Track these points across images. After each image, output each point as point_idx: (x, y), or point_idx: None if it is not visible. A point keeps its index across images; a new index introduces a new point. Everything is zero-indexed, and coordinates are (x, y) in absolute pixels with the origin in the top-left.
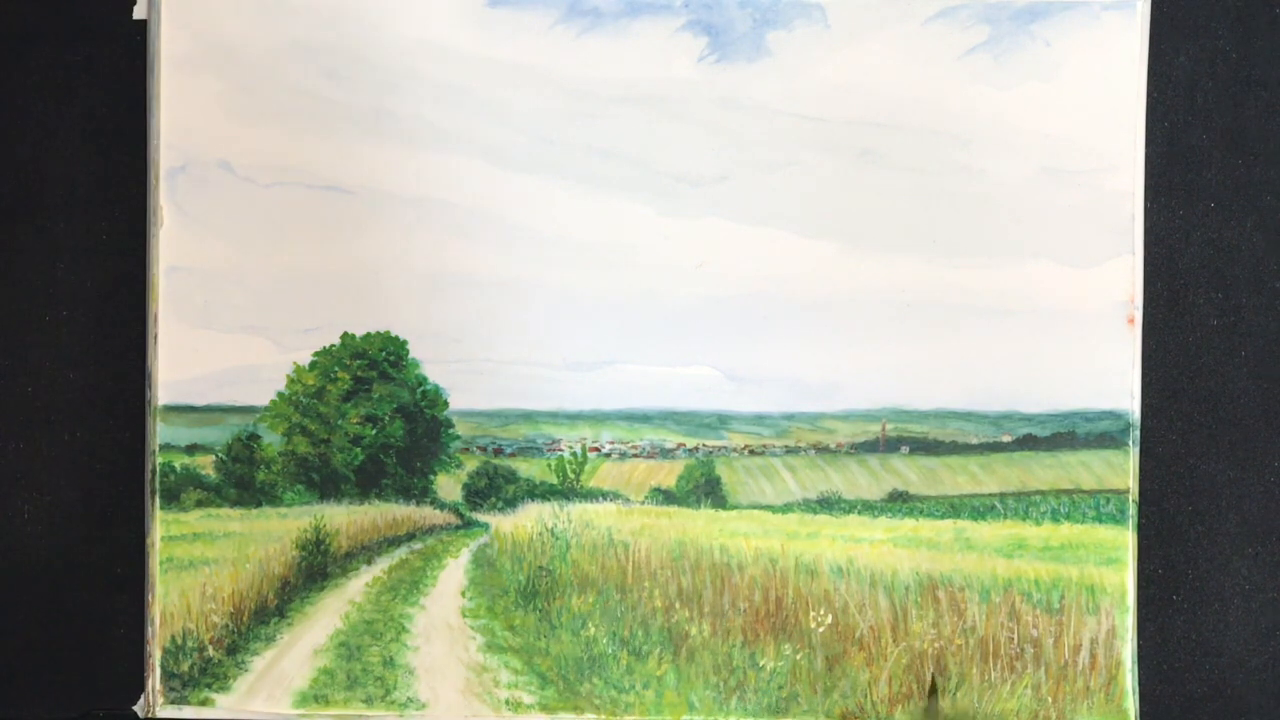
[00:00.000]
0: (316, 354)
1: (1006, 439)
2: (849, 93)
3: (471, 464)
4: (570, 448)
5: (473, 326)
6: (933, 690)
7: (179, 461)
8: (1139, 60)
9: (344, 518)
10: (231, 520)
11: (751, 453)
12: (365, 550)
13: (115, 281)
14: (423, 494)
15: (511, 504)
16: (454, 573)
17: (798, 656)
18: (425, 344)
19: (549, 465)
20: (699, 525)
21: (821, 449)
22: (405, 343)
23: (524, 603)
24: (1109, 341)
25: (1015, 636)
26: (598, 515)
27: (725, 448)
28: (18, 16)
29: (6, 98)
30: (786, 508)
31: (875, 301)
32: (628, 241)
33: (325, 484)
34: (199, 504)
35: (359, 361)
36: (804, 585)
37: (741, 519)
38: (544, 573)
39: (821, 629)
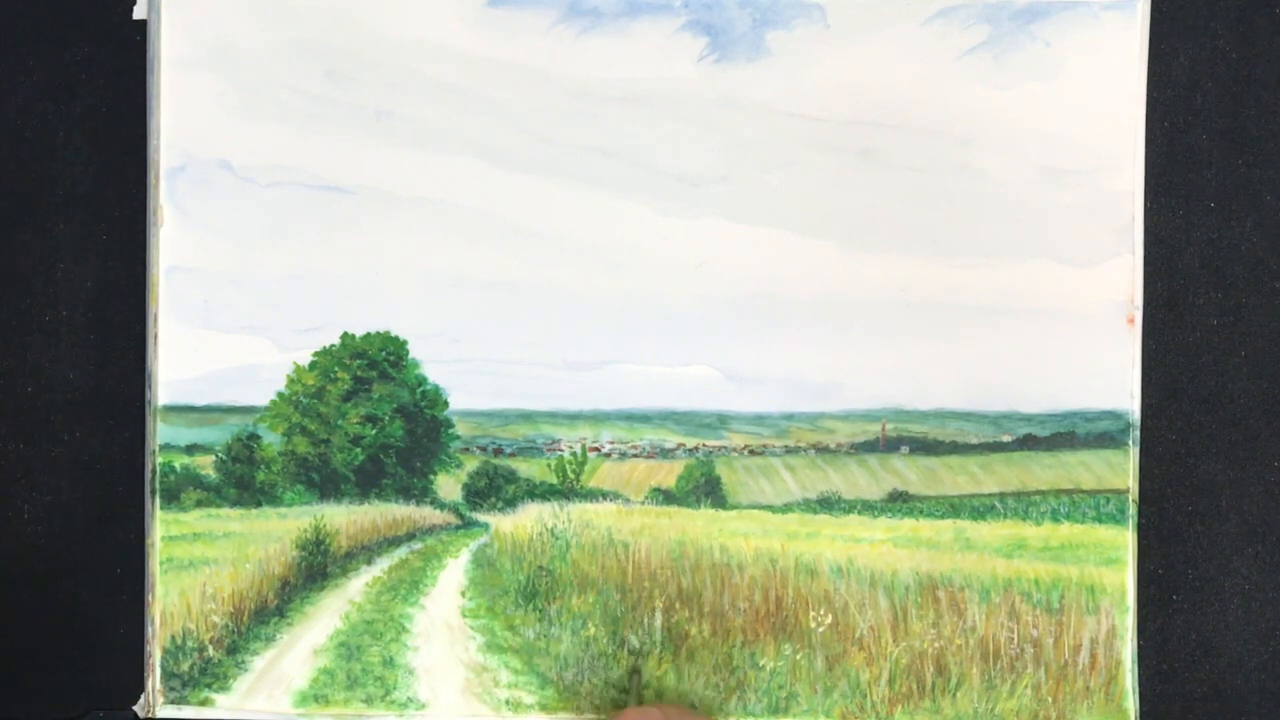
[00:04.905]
0: (316, 354)
1: (1006, 439)
2: (849, 93)
3: (471, 464)
4: (570, 448)
5: (473, 326)
6: (635, 671)
7: (179, 461)
8: (1139, 60)
9: (344, 518)
10: (231, 520)
11: (751, 453)
12: (365, 550)
13: (115, 281)
14: (423, 494)
15: (511, 504)
16: (454, 573)
17: (798, 656)
18: (425, 344)
19: (549, 465)
20: (699, 525)
21: (821, 449)
22: (405, 343)
23: (524, 603)
24: (1109, 341)
25: (1015, 636)
26: (598, 515)
27: (725, 448)
28: (18, 16)
29: (6, 98)
30: (786, 508)
31: (875, 301)
32: (628, 241)
33: (325, 484)
34: (199, 504)
35: (359, 361)
36: (804, 585)
37: (741, 519)
38: (544, 573)
39: (821, 629)
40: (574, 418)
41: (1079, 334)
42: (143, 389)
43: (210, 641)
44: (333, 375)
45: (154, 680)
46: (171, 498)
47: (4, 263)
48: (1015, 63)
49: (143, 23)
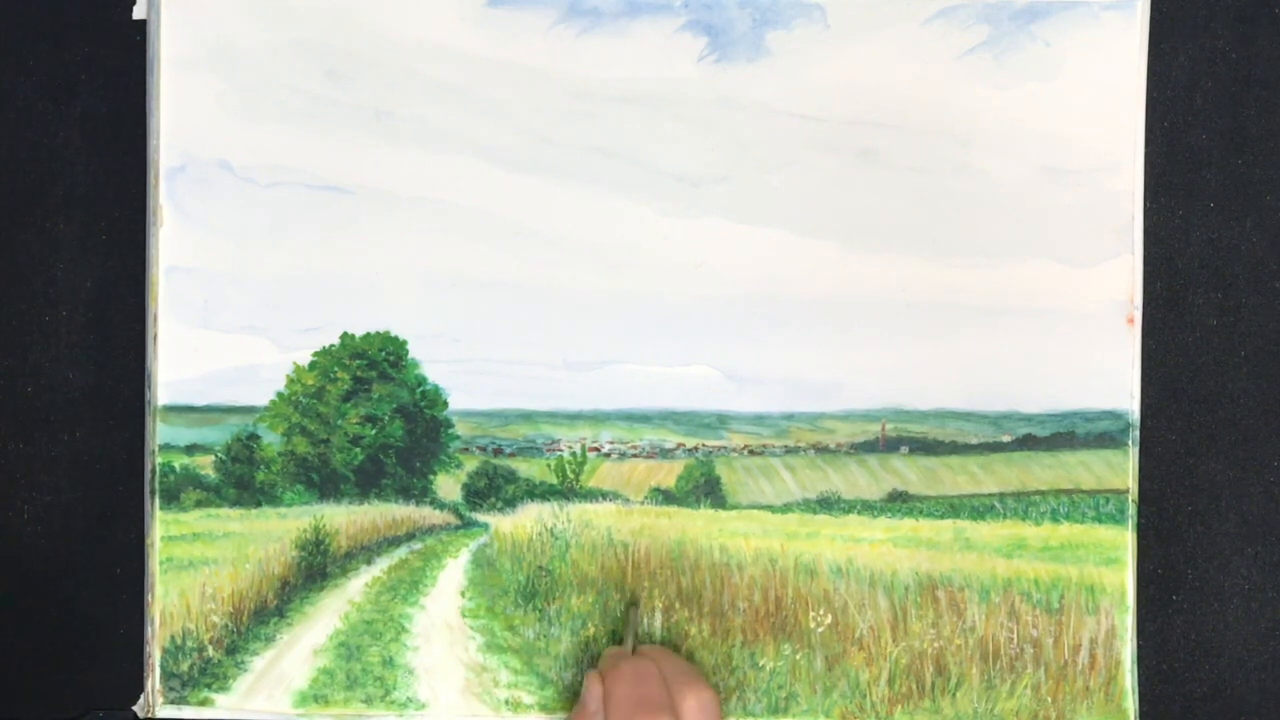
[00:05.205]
0: (316, 354)
1: (1006, 439)
2: (849, 93)
3: (471, 464)
4: (570, 448)
5: (473, 326)
6: (632, 605)
7: (179, 461)
8: (1139, 60)
9: (343, 518)
10: (231, 520)
11: (751, 453)
12: (365, 550)
13: (115, 281)
14: (422, 494)
15: (511, 504)
16: (453, 573)
17: (797, 656)
18: (425, 344)
19: (549, 465)
20: (699, 525)
21: (821, 449)
22: (405, 343)
23: (523, 603)
24: (1109, 341)
25: (1015, 636)
26: (597, 515)
27: (725, 448)
28: (18, 16)
29: (6, 98)
30: (786, 508)
31: (875, 301)
32: (628, 241)
33: (325, 484)
34: (199, 504)
35: (359, 361)
36: (804, 585)
37: (741, 519)
38: (543, 573)
39: (821, 629)
40: (574, 418)
41: (1079, 334)
42: (143, 389)
43: (210, 641)
44: (332, 375)
45: (154, 680)
46: (171, 498)
47: (4, 263)
48: (1015, 63)
49: (143, 23)
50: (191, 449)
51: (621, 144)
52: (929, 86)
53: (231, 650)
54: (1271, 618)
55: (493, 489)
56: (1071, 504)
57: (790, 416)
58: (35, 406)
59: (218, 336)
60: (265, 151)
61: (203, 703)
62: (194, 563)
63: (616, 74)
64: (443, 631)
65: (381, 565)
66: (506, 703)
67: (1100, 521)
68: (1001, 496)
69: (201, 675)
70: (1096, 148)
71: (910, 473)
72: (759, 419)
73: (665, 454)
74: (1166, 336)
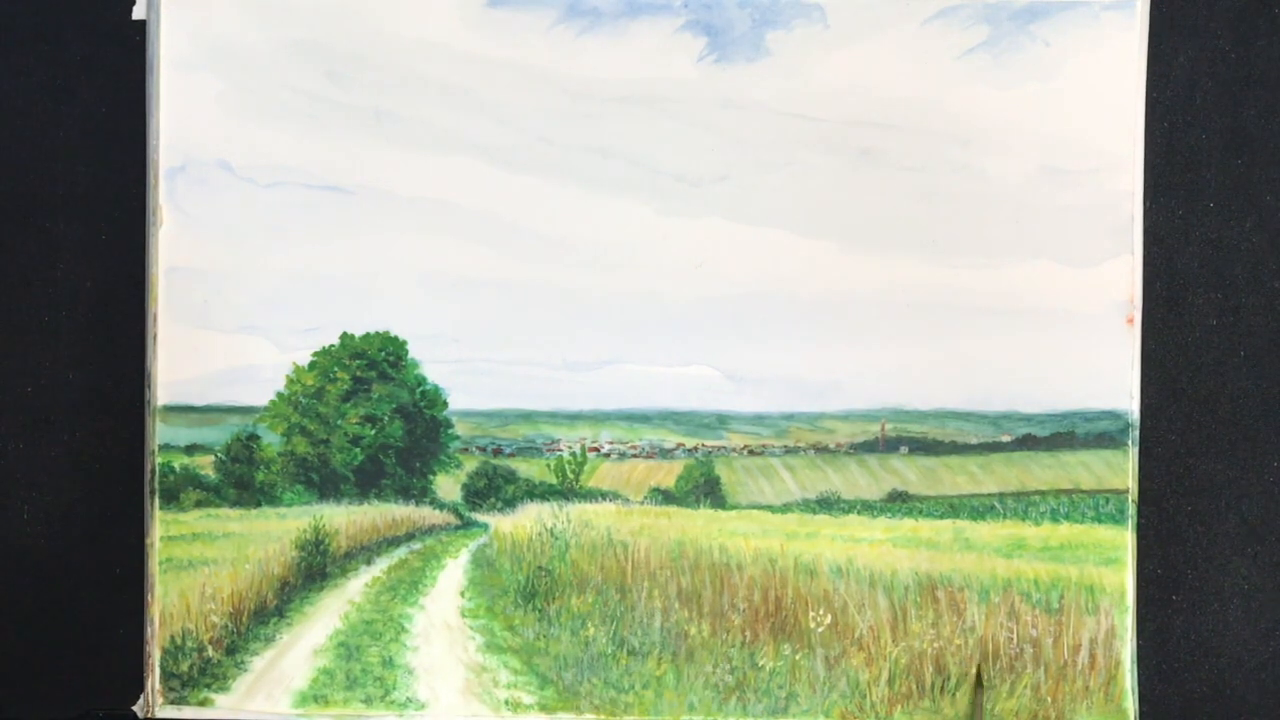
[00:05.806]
0: (316, 354)
1: (1006, 439)
2: (849, 93)
3: (471, 464)
4: (570, 448)
5: (473, 326)
6: (978, 684)
7: (178, 461)
8: (1139, 60)
9: (343, 518)
10: (231, 520)
11: (751, 453)
12: (364, 550)
13: (115, 281)
14: (422, 494)
15: (511, 504)
16: (453, 573)
17: (797, 656)
18: (425, 344)
19: (548, 465)
20: (698, 525)
21: (821, 449)
22: (405, 343)
23: (523, 603)
24: (1108, 341)
25: (1015, 636)
26: (597, 515)
27: (724, 448)
28: (17, 16)
29: (6, 98)
30: (786, 508)
31: (875, 301)
32: (628, 241)
33: (324, 484)
34: (198, 504)
35: (358, 361)
36: (803, 585)
37: (741, 519)
38: (543, 573)
39: (821, 629)
40: (574, 418)
41: (1079, 334)
42: (142, 389)
43: (210, 642)
44: (332, 375)
45: (154, 680)
46: (171, 498)
47: (4, 263)
48: (1015, 63)
49: (143, 23)
50: (191, 449)
51: (621, 144)
52: (929, 86)
53: (231, 650)
54: (1271, 618)
55: (492, 489)
56: (1071, 504)
57: (790, 416)
58: (35, 406)
59: (217, 336)
60: (265, 151)
61: (203, 703)
62: (194, 563)
63: (616, 74)
64: (442, 631)
65: (381, 565)
66: (506, 703)
67: (1100, 521)
68: (1001, 496)
69: (201, 675)
70: (1096, 148)
71: (910, 473)
72: (759, 419)
73: (665, 454)
74: (1166, 336)
